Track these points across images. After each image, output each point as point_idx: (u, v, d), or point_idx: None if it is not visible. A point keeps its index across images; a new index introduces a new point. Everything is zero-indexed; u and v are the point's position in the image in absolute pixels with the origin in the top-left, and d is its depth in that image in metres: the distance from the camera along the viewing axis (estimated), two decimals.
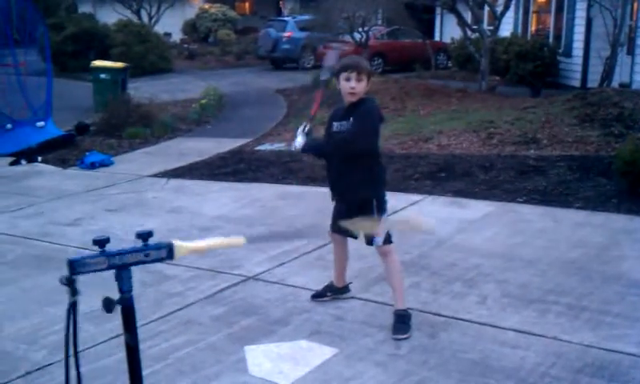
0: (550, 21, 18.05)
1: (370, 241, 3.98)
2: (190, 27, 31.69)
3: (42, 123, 11.00)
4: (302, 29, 23.81)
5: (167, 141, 11.45)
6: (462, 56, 19.14)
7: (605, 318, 3.97)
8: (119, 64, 15.28)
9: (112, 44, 21.65)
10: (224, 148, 10.31)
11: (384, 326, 3.95)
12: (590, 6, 15.12)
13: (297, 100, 15.60)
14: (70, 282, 2.05)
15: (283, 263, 5.14)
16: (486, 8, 17.87)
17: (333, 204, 4.22)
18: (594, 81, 14.56)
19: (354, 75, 3.79)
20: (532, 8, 18.96)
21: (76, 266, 2.06)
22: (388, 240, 3.97)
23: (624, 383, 3.30)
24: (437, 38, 25.42)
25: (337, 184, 4.05)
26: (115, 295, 2.16)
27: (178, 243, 2.20)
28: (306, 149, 4.08)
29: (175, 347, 3.85)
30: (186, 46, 28.66)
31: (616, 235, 5.49)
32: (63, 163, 9.78)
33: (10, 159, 9.92)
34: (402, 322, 3.90)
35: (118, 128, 11.58)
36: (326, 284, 4.45)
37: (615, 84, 13.52)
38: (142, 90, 14.43)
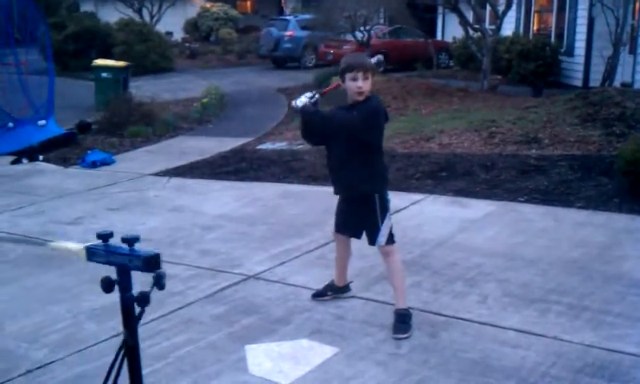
0: (552, 20, 18.03)
1: (372, 241, 3.99)
2: (192, 26, 31.69)
3: (43, 122, 11.00)
4: (303, 28, 23.81)
5: (169, 139, 11.45)
6: (464, 55, 19.13)
7: (606, 317, 3.97)
8: (121, 63, 15.28)
9: (113, 43, 21.65)
10: (225, 147, 10.31)
11: (385, 326, 3.95)
12: (592, 5, 15.10)
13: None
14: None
15: (284, 262, 5.14)
16: (488, 7, 17.85)
17: (335, 203, 4.22)
18: (595, 80, 14.53)
19: (360, 75, 3.79)
20: (534, 7, 18.93)
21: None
22: (391, 240, 3.98)
23: (624, 383, 3.30)
24: (439, 37, 25.40)
25: (337, 174, 4.05)
26: (115, 297, 2.16)
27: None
28: (305, 110, 3.91)
29: (176, 346, 3.85)
30: (187, 44, 28.66)
31: (617, 235, 5.48)
32: (65, 162, 9.79)
33: (12, 158, 9.93)
34: (402, 321, 3.90)
35: (120, 127, 11.59)
36: (326, 283, 4.45)
37: (617, 83, 13.49)
38: (143, 89, 14.44)
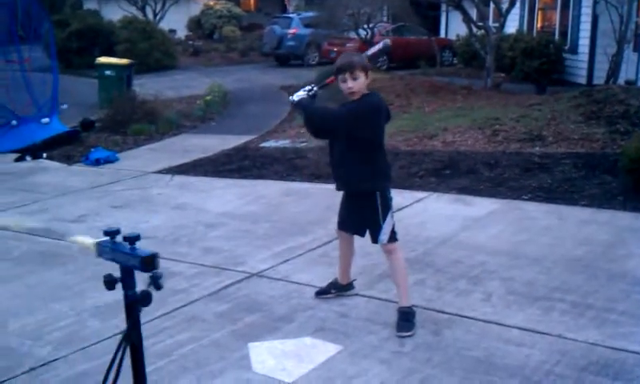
0: (556, 17, 17.99)
1: (375, 239, 3.98)
2: (195, 24, 31.69)
3: (46, 120, 11.02)
4: (306, 25, 23.77)
5: (172, 137, 11.45)
6: (468, 53, 19.09)
7: (610, 315, 3.96)
8: (124, 61, 15.29)
9: (117, 41, 21.66)
10: (229, 145, 10.31)
11: (388, 324, 3.95)
12: (595, 3, 15.06)
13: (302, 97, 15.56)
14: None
15: (287, 260, 5.14)
16: (492, 5, 17.81)
17: (338, 201, 4.22)
18: (599, 78, 14.50)
19: (348, 75, 3.80)
20: (538, 5, 18.89)
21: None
22: (393, 238, 3.97)
23: (629, 381, 3.29)
24: (442, 34, 25.38)
25: (338, 171, 4.06)
26: (119, 294, 2.17)
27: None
28: (300, 103, 3.99)
29: (179, 344, 3.85)
30: (190, 42, 28.67)
31: (621, 233, 5.47)
32: (68, 159, 9.80)
33: (15, 155, 9.95)
34: (406, 319, 3.90)
35: (123, 124, 11.60)
36: (330, 281, 4.45)
37: (621, 81, 13.45)
38: (146, 87, 14.46)
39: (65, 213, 6.85)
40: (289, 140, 10.47)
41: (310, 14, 24.66)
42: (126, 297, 2.17)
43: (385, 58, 22.03)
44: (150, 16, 26.60)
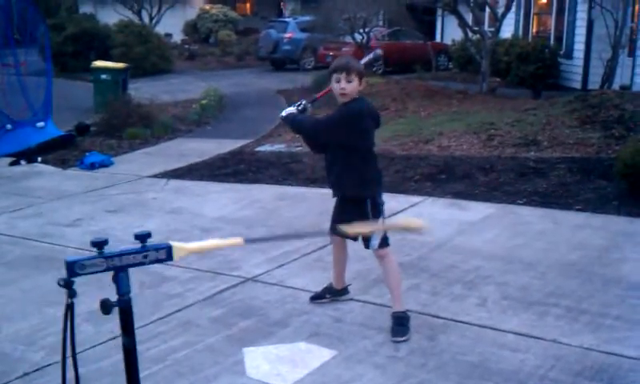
0: (551, 22, 18.05)
1: (366, 244, 3.98)
2: (191, 28, 31.70)
3: (42, 124, 10.99)
4: (302, 30, 23.82)
5: (167, 141, 11.44)
6: (463, 57, 19.14)
7: (604, 320, 3.96)
8: (120, 64, 15.28)
9: (113, 44, 21.66)
10: (224, 149, 10.30)
11: (383, 328, 3.94)
12: (591, 8, 15.12)
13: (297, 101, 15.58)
14: (67, 285, 2.04)
15: (282, 265, 5.13)
16: (487, 9, 17.86)
17: (333, 205, 4.21)
18: (594, 83, 14.54)
19: (343, 76, 3.81)
20: (533, 10, 18.95)
21: (74, 268, 2.05)
22: (384, 243, 3.97)
23: None
24: (438, 39, 25.43)
25: (329, 177, 4.10)
26: (114, 295, 2.16)
27: (176, 244, 2.18)
28: (287, 118, 4.08)
29: (173, 349, 3.84)
30: (186, 46, 28.67)
31: (616, 237, 5.48)
32: (63, 164, 9.78)
33: (10, 159, 9.92)
34: (400, 324, 3.89)
35: (118, 128, 11.58)
36: (325, 286, 4.44)
37: (616, 86, 13.51)
38: (142, 91, 14.44)
39: (59, 217, 6.83)
40: (284, 144, 10.47)
41: (306, 18, 24.71)
42: (121, 302, 2.16)
43: (380, 62, 22.06)
44: (146, 20, 26.61)
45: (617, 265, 4.87)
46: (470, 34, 16.46)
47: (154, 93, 14.70)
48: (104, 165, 9.43)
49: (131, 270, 2.15)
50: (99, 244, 2.07)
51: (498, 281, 4.63)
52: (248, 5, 38.09)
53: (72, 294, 2.06)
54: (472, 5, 16.31)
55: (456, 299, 4.36)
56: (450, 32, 23.35)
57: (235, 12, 33.11)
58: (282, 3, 36.45)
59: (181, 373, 3.57)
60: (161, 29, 26.61)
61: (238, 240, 2.20)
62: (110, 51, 20.85)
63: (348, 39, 21.24)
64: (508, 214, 6.24)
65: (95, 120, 12.50)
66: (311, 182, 7.77)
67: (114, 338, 3.70)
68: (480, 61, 15.19)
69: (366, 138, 3.95)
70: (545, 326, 3.93)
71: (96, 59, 16.45)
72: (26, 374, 3.63)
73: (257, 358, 3.69)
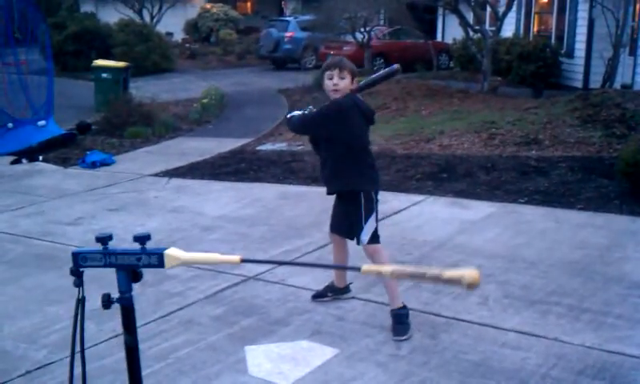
0: (552, 21, 18.03)
1: (357, 239, 3.98)
2: (192, 27, 31.67)
3: (43, 122, 10.99)
4: (303, 29, 23.80)
5: (168, 140, 11.44)
6: (464, 56, 19.12)
7: (606, 319, 3.96)
8: (121, 63, 15.27)
9: (114, 43, 21.64)
10: (225, 148, 10.30)
11: (385, 327, 3.94)
12: (592, 7, 15.10)
13: (298, 100, 15.58)
14: (77, 274, 2.12)
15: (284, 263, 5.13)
16: (488, 8, 17.85)
17: (333, 203, 4.22)
18: (596, 82, 14.54)
19: (335, 72, 3.86)
20: (534, 9, 18.93)
21: (79, 259, 2.10)
22: (375, 239, 3.97)
23: None
24: (439, 38, 25.40)
25: (322, 170, 4.13)
26: (116, 293, 2.16)
27: (170, 253, 2.15)
28: (288, 119, 4.21)
29: (175, 347, 3.84)
30: (187, 45, 28.66)
31: (618, 236, 5.48)
32: (64, 162, 9.78)
33: (12, 158, 9.92)
34: (400, 321, 3.89)
35: (120, 127, 11.58)
36: (326, 284, 4.44)
37: (617, 85, 13.49)
38: (143, 90, 14.43)
39: (61, 215, 6.83)
40: (285, 143, 10.47)
41: (307, 17, 24.70)
42: (122, 300, 2.16)
43: (382, 60, 22.08)
44: (147, 19, 26.60)
45: (618, 263, 4.87)
46: (471, 33, 16.45)
47: (155, 92, 14.70)
48: (105, 163, 9.43)
49: None
50: (103, 239, 2.09)
51: (499, 279, 4.63)
52: (249, 4, 38.09)
53: (78, 283, 2.14)
54: (473, 4, 16.30)
55: (458, 298, 4.36)
56: (450, 31, 23.33)
57: (236, 11, 33.09)
58: (282, 2, 36.44)
59: (183, 371, 3.58)
60: (162, 28, 26.60)
61: (235, 258, 2.18)
62: (111, 50, 20.83)
63: (349, 38, 21.25)
64: (509, 212, 6.24)
65: (96, 119, 12.51)
66: (312, 180, 7.77)
67: (116, 336, 3.70)
68: (481, 60, 15.18)
69: (356, 133, 3.95)
70: (546, 324, 3.93)
71: (97, 58, 16.42)
72: (28, 372, 3.63)
73: (258, 357, 3.69)
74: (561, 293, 4.36)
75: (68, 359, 3.12)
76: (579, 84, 15.51)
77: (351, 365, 3.57)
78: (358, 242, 4.00)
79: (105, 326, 3.97)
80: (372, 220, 3.95)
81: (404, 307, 3.96)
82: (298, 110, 4.24)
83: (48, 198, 7.60)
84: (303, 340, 3.88)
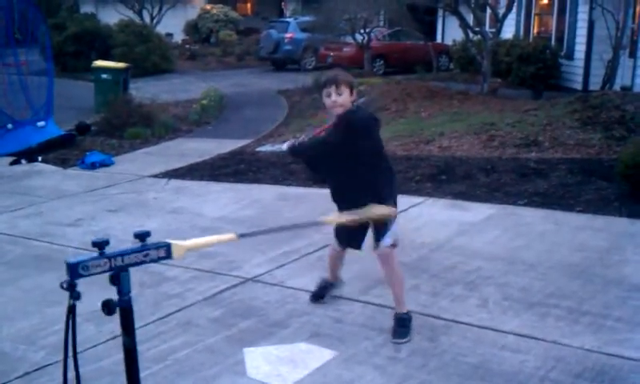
0: (552, 23, 18.03)
1: (379, 238, 3.88)
2: (192, 28, 31.68)
3: (42, 123, 10.99)
4: (303, 30, 23.81)
5: (168, 141, 11.44)
6: (464, 58, 19.12)
7: (605, 322, 3.96)
8: (121, 64, 15.28)
9: (113, 44, 21.65)
10: (225, 149, 10.30)
11: (383, 329, 3.94)
12: (592, 9, 15.10)
13: (298, 101, 15.60)
14: (71, 287, 2.04)
15: (283, 265, 5.13)
16: (488, 10, 17.85)
17: (334, 206, 4.19)
18: (595, 84, 14.53)
19: (332, 89, 3.79)
20: (534, 10, 18.94)
21: (76, 269, 2.04)
22: (395, 243, 3.95)
23: None
24: (439, 39, 25.41)
25: (345, 193, 3.97)
26: (114, 295, 2.16)
27: (175, 242, 2.18)
28: (291, 148, 4.08)
29: (174, 349, 3.84)
30: (187, 46, 28.66)
31: (617, 239, 5.47)
32: (64, 163, 9.78)
33: (11, 159, 9.92)
34: (402, 325, 3.88)
35: (119, 128, 11.58)
36: (321, 285, 4.42)
37: (617, 87, 13.48)
38: (143, 91, 14.44)
39: (60, 216, 6.83)
40: (284, 144, 10.45)
41: (307, 18, 24.72)
42: (121, 302, 2.16)
43: (382, 62, 22.08)
44: (147, 20, 26.62)
45: (618, 266, 4.86)
46: (470, 35, 16.45)
47: (155, 93, 14.70)
48: (105, 164, 9.43)
49: (131, 270, 2.14)
50: (100, 244, 2.07)
51: (498, 282, 4.62)
52: (249, 5, 38.08)
53: (76, 296, 2.05)
54: (473, 5, 16.29)
55: (457, 300, 4.36)
56: (450, 32, 23.32)
57: (236, 12, 33.09)
58: (282, 3, 36.45)
59: (181, 373, 3.57)
60: (162, 29, 26.62)
61: (232, 235, 2.22)
62: (111, 51, 20.84)
63: (349, 39, 21.25)
64: (509, 214, 6.24)
65: (96, 119, 12.51)
66: (312, 182, 7.76)
67: (115, 338, 3.69)
68: (481, 61, 15.18)
69: (379, 140, 3.94)
70: (546, 327, 3.92)
71: (97, 59, 16.45)
72: (26, 374, 3.63)
73: (257, 359, 3.69)
74: (560, 295, 4.36)
75: (68, 361, 3.11)
76: (579, 86, 15.50)
77: (350, 367, 3.56)
78: (379, 240, 3.89)
79: (103, 328, 3.96)
80: (396, 224, 3.92)
81: (408, 313, 3.95)
82: (291, 139, 4.10)
83: (47, 199, 7.59)
84: (302, 342, 3.87)
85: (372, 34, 21.29)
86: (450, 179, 7.56)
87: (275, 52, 24.07)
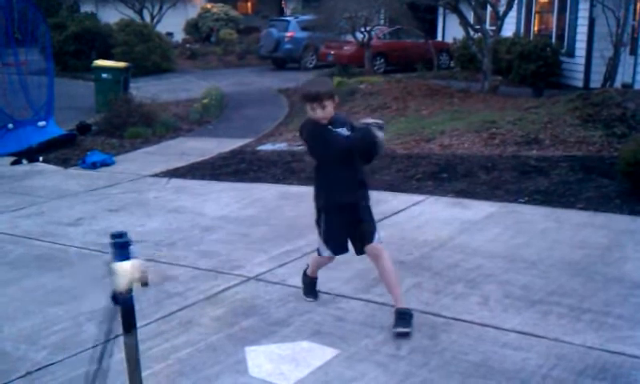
0: (553, 21, 18.01)
1: (371, 239, 3.96)
2: (192, 27, 31.68)
3: (43, 123, 11.00)
4: (304, 29, 23.81)
5: (169, 141, 11.44)
6: (465, 56, 19.10)
7: (607, 319, 3.96)
8: (121, 64, 15.28)
9: (114, 43, 21.65)
10: (225, 148, 10.30)
11: (385, 327, 3.94)
12: (592, 6, 15.09)
13: (298, 100, 15.59)
14: None
15: (284, 264, 5.13)
16: (489, 8, 17.83)
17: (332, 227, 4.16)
18: (596, 81, 14.52)
19: (316, 105, 3.87)
20: (535, 8, 18.92)
21: None
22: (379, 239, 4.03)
23: None
24: (439, 37, 25.40)
25: (347, 186, 4.04)
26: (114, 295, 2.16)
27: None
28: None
29: (175, 348, 3.84)
30: (187, 45, 28.66)
31: (618, 236, 5.47)
32: (64, 163, 9.78)
33: (12, 159, 9.92)
34: (403, 318, 3.89)
35: (120, 128, 11.59)
36: (305, 282, 4.45)
37: (618, 84, 13.48)
38: (143, 90, 14.44)
39: (61, 216, 6.83)
40: (285, 143, 10.46)
41: (308, 17, 24.69)
42: (123, 301, 2.16)
43: (382, 60, 22.07)
44: (148, 19, 26.62)
45: (619, 263, 4.86)
46: (471, 33, 16.43)
47: (156, 92, 14.70)
48: (105, 164, 9.43)
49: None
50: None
51: (500, 279, 4.62)
52: (249, 4, 38.08)
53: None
54: (473, 3, 16.28)
55: (458, 298, 4.36)
56: (451, 31, 23.31)
57: (236, 11, 33.09)
58: (283, 2, 36.45)
59: (183, 372, 3.57)
60: (162, 28, 26.60)
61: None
62: (112, 50, 20.84)
63: (349, 38, 21.24)
64: (510, 212, 6.23)
65: (96, 119, 12.52)
66: (312, 180, 7.75)
67: (116, 337, 3.69)
68: (481, 59, 15.16)
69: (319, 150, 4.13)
70: (547, 324, 3.92)
71: (97, 58, 16.44)
72: (28, 373, 3.63)
73: (259, 357, 3.69)
74: (561, 293, 4.36)
75: (68, 360, 3.14)
76: (580, 83, 15.49)
77: (351, 365, 3.57)
78: (371, 241, 3.97)
79: (105, 327, 3.96)
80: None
81: (408, 310, 3.96)
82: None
83: (48, 199, 7.60)
84: (303, 340, 3.87)
85: (372, 33, 21.27)
86: (451, 177, 7.56)
87: (276, 51, 24.06)
